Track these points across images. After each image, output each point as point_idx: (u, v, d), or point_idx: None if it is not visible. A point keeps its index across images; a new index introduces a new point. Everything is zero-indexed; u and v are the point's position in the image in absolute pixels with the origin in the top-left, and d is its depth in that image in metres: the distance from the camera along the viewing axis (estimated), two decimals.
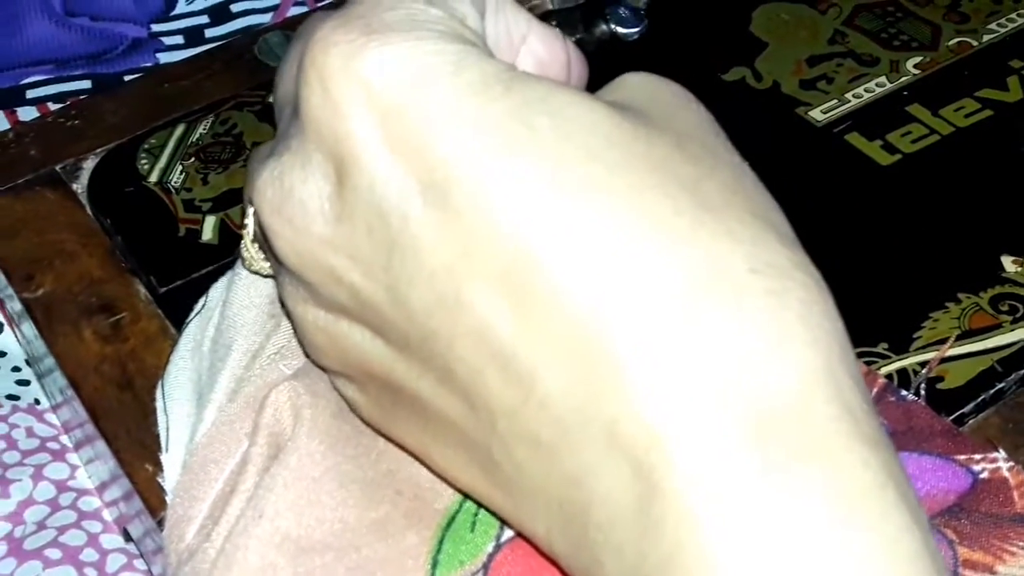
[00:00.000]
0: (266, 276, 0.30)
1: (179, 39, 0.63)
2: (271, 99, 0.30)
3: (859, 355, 0.34)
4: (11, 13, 0.62)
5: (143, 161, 0.43)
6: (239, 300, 0.33)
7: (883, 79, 0.45)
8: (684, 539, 0.19)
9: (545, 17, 0.33)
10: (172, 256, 0.40)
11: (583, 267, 0.21)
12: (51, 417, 0.46)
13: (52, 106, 0.59)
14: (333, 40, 0.23)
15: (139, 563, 0.42)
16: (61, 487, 0.44)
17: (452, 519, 0.28)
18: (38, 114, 0.59)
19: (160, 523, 0.31)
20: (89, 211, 0.42)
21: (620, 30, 0.31)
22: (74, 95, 0.60)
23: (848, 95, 0.44)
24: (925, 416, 0.31)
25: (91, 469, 0.43)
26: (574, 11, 0.32)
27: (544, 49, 0.28)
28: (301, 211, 0.24)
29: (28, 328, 0.40)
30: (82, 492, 0.44)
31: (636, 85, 0.25)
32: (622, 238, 0.21)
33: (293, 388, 0.29)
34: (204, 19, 0.64)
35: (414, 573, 0.27)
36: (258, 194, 0.25)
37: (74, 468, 0.44)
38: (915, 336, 0.35)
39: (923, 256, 0.38)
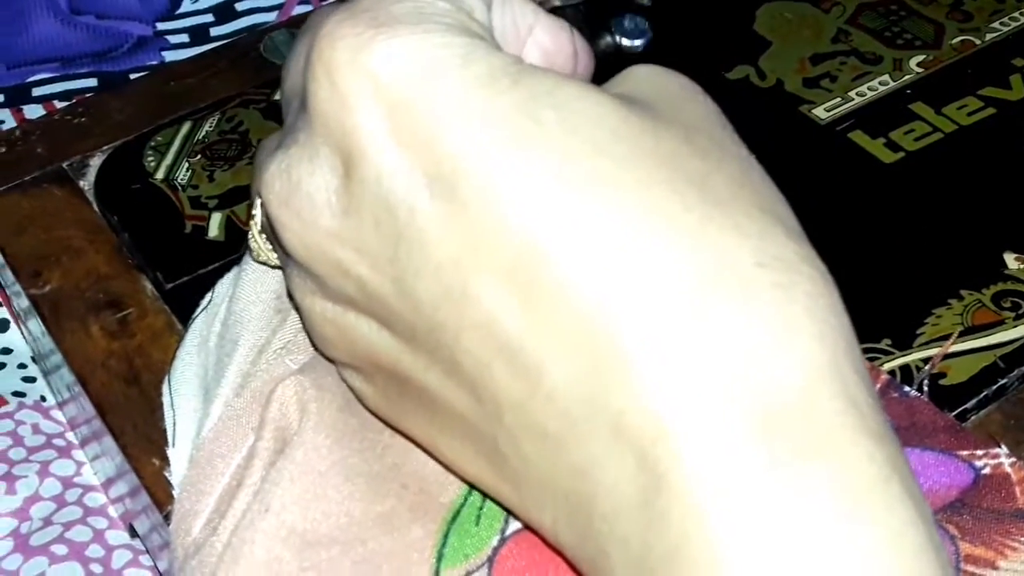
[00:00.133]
0: (273, 267, 0.30)
1: (184, 37, 0.63)
2: (277, 96, 0.30)
3: (862, 351, 0.34)
4: (17, 11, 0.63)
5: (149, 158, 0.44)
6: (245, 295, 0.33)
7: (886, 77, 0.45)
8: (690, 531, 0.19)
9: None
10: (178, 252, 0.40)
11: (591, 261, 0.21)
12: (57, 414, 0.46)
13: (58, 104, 0.59)
14: (340, 33, 0.23)
15: (145, 559, 0.42)
16: (67, 483, 0.44)
17: (457, 513, 0.28)
18: (44, 112, 0.59)
19: (167, 517, 0.31)
20: (96, 208, 0.42)
21: (625, 42, 0.31)
22: (80, 93, 0.60)
23: (851, 93, 0.45)
24: (928, 412, 0.31)
25: (97, 465, 0.43)
26: (577, 8, 0.32)
27: (550, 40, 0.27)
28: (308, 204, 0.24)
29: (35, 324, 0.40)
30: (88, 488, 0.44)
31: (643, 77, 0.25)
32: (630, 232, 0.21)
33: (299, 383, 0.29)
34: (209, 17, 0.64)
35: (419, 566, 0.27)
36: (266, 187, 0.25)
37: (80, 464, 0.45)
38: (918, 332, 0.35)
39: (926, 253, 0.38)
